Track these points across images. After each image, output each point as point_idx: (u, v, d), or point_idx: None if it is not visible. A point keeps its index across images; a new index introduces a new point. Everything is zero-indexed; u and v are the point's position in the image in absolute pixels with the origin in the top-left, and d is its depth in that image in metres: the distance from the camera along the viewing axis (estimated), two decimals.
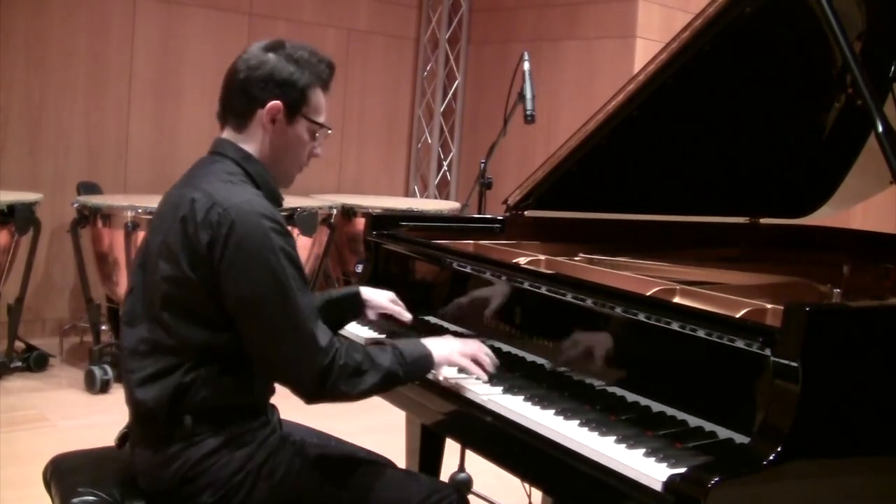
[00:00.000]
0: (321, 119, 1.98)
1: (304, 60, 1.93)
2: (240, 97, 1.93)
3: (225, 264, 1.78)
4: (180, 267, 1.81)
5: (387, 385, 1.94)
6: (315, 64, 1.95)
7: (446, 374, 2.06)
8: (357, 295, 2.32)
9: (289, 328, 1.81)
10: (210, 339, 1.83)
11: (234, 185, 1.87)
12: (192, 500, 1.83)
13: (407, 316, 2.31)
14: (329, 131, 2.02)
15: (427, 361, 1.99)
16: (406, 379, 1.97)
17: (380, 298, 2.32)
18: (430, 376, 2.06)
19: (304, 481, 1.89)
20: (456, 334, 2.19)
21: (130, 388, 1.88)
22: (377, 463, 2.02)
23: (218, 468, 1.82)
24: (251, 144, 1.94)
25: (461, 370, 2.05)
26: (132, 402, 1.89)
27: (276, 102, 1.90)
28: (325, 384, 1.82)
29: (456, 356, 2.02)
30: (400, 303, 2.35)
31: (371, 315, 2.34)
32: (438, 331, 2.35)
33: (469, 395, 1.99)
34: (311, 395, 1.85)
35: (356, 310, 2.34)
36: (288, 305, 1.80)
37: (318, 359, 1.81)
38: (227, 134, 1.97)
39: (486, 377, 2.02)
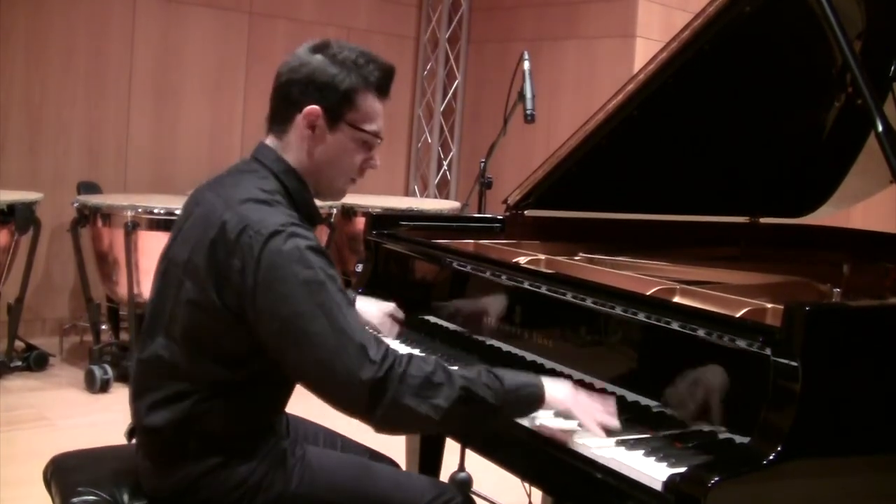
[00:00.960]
0: (371, 127, 1.83)
1: (350, 62, 1.78)
2: (280, 101, 1.81)
3: (259, 288, 1.65)
4: (207, 293, 1.71)
5: (470, 408, 1.67)
6: (362, 66, 1.79)
7: (544, 421, 1.77)
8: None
9: (333, 341, 1.64)
10: (231, 372, 1.75)
11: (269, 207, 1.73)
12: None
13: (393, 332, 2.26)
14: (380, 141, 1.87)
15: (535, 396, 1.73)
16: (502, 408, 1.70)
17: (371, 312, 2.25)
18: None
19: (305, 492, 1.83)
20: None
21: (140, 408, 1.81)
22: (381, 466, 2.00)
23: (218, 483, 1.78)
24: (291, 153, 1.82)
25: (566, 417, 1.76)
26: (139, 421, 1.83)
27: (314, 107, 1.77)
28: (381, 397, 1.62)
29: (572, 403, 1.73)
30: (399, 314, 2.30)
31: None
32: (438, 331, 2.35)
33: None
34: (368, 412, 1.64)
35: None
36: (331, 318, 1.64)
37: (367, 370, 1.62)
38: (270, 141, 1.85)
39: (602, 436, 1.70)
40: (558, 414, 1.77)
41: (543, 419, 1.76)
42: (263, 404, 1.84)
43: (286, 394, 1.91)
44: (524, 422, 1.77)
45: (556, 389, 1.75)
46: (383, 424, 1.67)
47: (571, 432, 1.70)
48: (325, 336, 1.64)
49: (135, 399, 1.84)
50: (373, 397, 1.63)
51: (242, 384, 1.77)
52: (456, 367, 1.74)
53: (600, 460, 1.63)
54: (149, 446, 1.84)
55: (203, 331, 1.73)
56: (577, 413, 1.72)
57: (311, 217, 1.84)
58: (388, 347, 1.68)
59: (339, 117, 1.80)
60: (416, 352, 2.12)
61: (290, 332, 1.66)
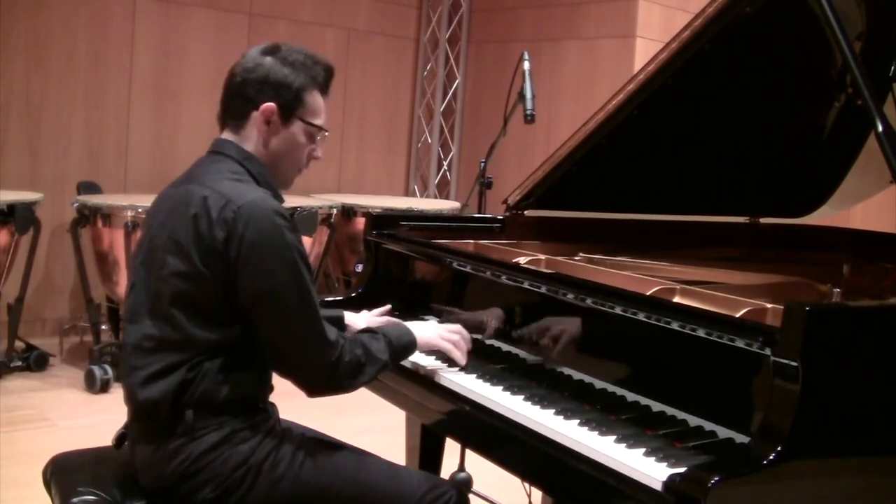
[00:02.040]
0: (318, 121, 2.01)
1: (299, 63, 1.97)
2: (237, 99, 1.97)
3: (242, 260, 1.81)
4: (192, 263, 1.83)
5: (379, 374, 2.01)
6: (311, 67, 1.98)
7: (423, 362, 2.14)
8: (341, 319, 2.29)
9: (303, 323, 1.85)
10: (218, 335, 1.85)
11: (243, 184, 1.91)
12: (194, 495, 1.83)
13: None
14: (326, 133, 2.05)
15: (412, 346, 2.08)
16: (393, 365, 2.07)
17: (359, 324, 2.32)
18: (418, 370, 2.14)
19: (305, 476, 1.89)
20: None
21: (134, 385, 1.87)
22: (377, 458, 2.03)
23: (219, 463, 1.83)
24: (249, 145, 1.98)
25: (439, 356, 2.15)
26: (134, 399, 1.88)
27: (270, 104, 1.94)
28: (332, 378, 1.89)
29: (438, 339, 2.12)
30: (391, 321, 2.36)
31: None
32: None
33: (469, 395, 1.99)
34: (318, 388, 1.92)
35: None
36: (303, 300, 1.85)
37: (327, 353, 1.87)
38: (227, 135, 2.00)
39: (464, 362, 2.12)
40: (429, 354, 2.16)
41: (419, 360, 2.14)
42: (249, 370, 1.90)
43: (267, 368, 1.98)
44: (406, 364, 2.14)
45: (423, 332, 2.11)
46: (321, 394, 1.93)
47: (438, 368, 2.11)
48: (298, 317, 1.84)
49: (126, 378, 1.91)
50: (329, 375, 1.88)
51: (233, 345, 1.86)
52: (365, 338, 2.00)
53: (600, 460, 1.63)
54: (146, 427, 1.87)
55: (191, 297, 1.84)
56: (441, 347, 2.11)
57: (276, 196, 1.97)
58: (336, 331, 1.91)
59: (292, 113, 1.97)
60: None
61: (266, 303, 1.83)
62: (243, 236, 1.81)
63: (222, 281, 1.83)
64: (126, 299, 1.97)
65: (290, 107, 1.96)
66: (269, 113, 1.95)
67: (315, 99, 1.99)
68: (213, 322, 1.85)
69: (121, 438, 1.98)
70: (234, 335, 1.86)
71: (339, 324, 2.31)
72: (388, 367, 2.03)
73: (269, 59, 1.96)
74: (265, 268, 1.81)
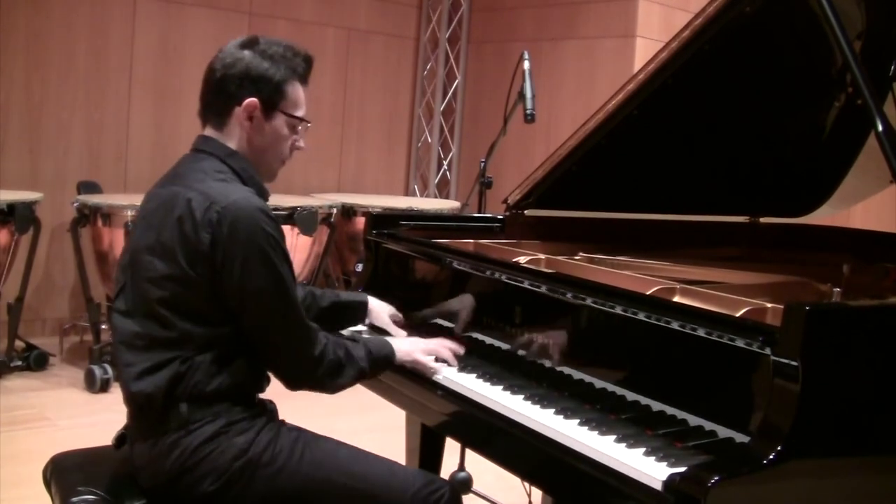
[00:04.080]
0: (300, 113, 2.01)
1: (278, 56, 1.96)
2: (217, 96, 1.97)
3: (227, 261, 1.82)
4: (179, 265, 1.84)
5: (356, 381, 2.03)
6: (290, 59, 1.97)
7: (445, 373, 2.10)
8: (365, 304, 2.37)
9: (286, 319, 1.88)
10: (209, 332, 1.86)
11: (227, 184, 1.91)
12: (193, 489, 1.83)
13: (402, 334, 2.34)
14: (308, 124, 2.04)
15: (390, 359, 2.09)
16: (371, 376, 2.08)
17: (382, 311, 2.38)
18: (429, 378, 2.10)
19: (304, 469, 1.90)
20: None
21: (127, 380, 1.89)
22: (374, 454, 2.03)
23: (217, 454, 1.83)
24: (232, 141, 1.98)
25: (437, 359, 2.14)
26: (129, 394, 1.89)
27: (252, 99, 1.94)
28: (313, 374, 1.92)
29: (416, 354, 2.11)
30: (399, 316, 2.40)
31: (368, 320, 2.39)
32: (437, 332, 2.35)
33: (469, 395, 1.99)
34: (299, 380, 1.95)
35: (359, 317, 2.39)
36: (286, 298, 1.87)
37: (309, 350, 1.90)
38: (209, 132, 2.00)
39: (453, 366, 2.11)
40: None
41: (446, 372, 2.10)
42: (241, 362, 1.90)
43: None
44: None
45: (402, 346, 2.11)
46: (300, 388, 1.96)
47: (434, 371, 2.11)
48: (280, 314, 1.87)
49: (120, 374, 1.94)
50: (310, 371, 1.92)
51: (224, 339, 1.87)
52: (348, 343, 2.02)
53: (600, 459, 1.63)
54: (143, 424, 1.88)
55: (179, 298, 1.85)
56: (419, 360, 2.10)
57: (261, 193, 1.97)
58: (319, 329, 1.94)
59: (274, 106, 1.96)
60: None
61: (250, 301, 1.85)
62: (227, 237, 1.82)
63: (210, 282, 1.84)
64: (115, 299, 1.97)
65: (272, 101, 1.95)
66: (251, 108, 1.94)
67: (296, 91, 1.99)
68: (205, 322, 1.86)
69: (121, 439, 1.98)
70: (225, 332, 1.87)
71: (363, 309, 2.37)
72: (366, 376, 2.04)
73: (247, 53, 1.95)
74: (248, 267, 1.83)
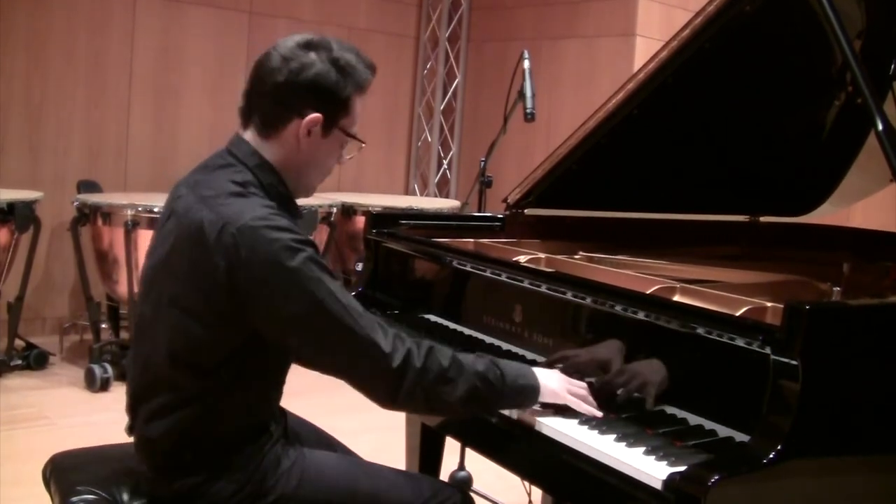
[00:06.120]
0: (355, 129, 1.83)
1: (350, 67, 1.77)
2: (276, 103, 1.76)
3: (253, 287, 1.65)
4: (186, 292, 1.71)
5: (478, 403, 1.75)
6: (361, 71, 1.80)
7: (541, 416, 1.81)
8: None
9: (339, 337, 1.67)
10: (205, 383, 1.74)
11: (245, 199, 1.71)
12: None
13: None
14: (363, 145, 1.87)
15: (532, 392, 1.78)
16: (503, 402, 1.78)
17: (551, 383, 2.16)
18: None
19: (304, 494, 1.82)
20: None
21: (139, 417, 1.81)
22: (378, 465, 1.98)
23: (216, 491, 1.77)
24: (271, 151, 1.79)
25: (559, 409, 1.81)
26: (140, 432, 1.83)
27: (316, 115, 1.75)
28: (399, 387, 1.68)
29: (564, 393, 1.79)
30: None
31: None
32: (438, 329, 2.35)
33: None
34: (384, 399, 1.71)
35: None
36: (329, 315, 1.66)
37: (382, 363, 1.66)
38: (249, 136, 1.81)
39: (599, 415, 1.77)
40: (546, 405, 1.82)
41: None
42: (252, 402, 1.81)
43: (275, 389, 1.89)
44: (513, 414, 1.83)
45: (548, 380, 1.80)
46: (393, 409, 1.74)
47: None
48: (326, 331, 1.67)
49: (132, 407, 1.84)
50: (394, 387, 1.68)
51: (225, 389, 1.75)
52: (470, 357, 1.77)
53: (600, 459, 1.63)
54: (147, 454, 1.83)
55: (182, 337, 1.72)
56: (567, 401, 1.78)
57: (287, 210, 1.79)
58: (396, 334, 1.70)
59: (335, 123, 1.79)
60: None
61: (293, 328, 1.68)
62: (249, 262, 1.63)
63: (220, 312, 1.68)
64: (136, 309, 1.86)
65: (335, 117, 1.78)
66: (312, 124, 1.75)
67: (358, 106, 1.81)
68: (203, 367, 1.72)
69: (132, 428, 1.90)
70: (226, 378, 1.73)
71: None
72: (493, 400, 1.76)
73: (316, 59, 1.74)
74: (277, 293, 1.64)
